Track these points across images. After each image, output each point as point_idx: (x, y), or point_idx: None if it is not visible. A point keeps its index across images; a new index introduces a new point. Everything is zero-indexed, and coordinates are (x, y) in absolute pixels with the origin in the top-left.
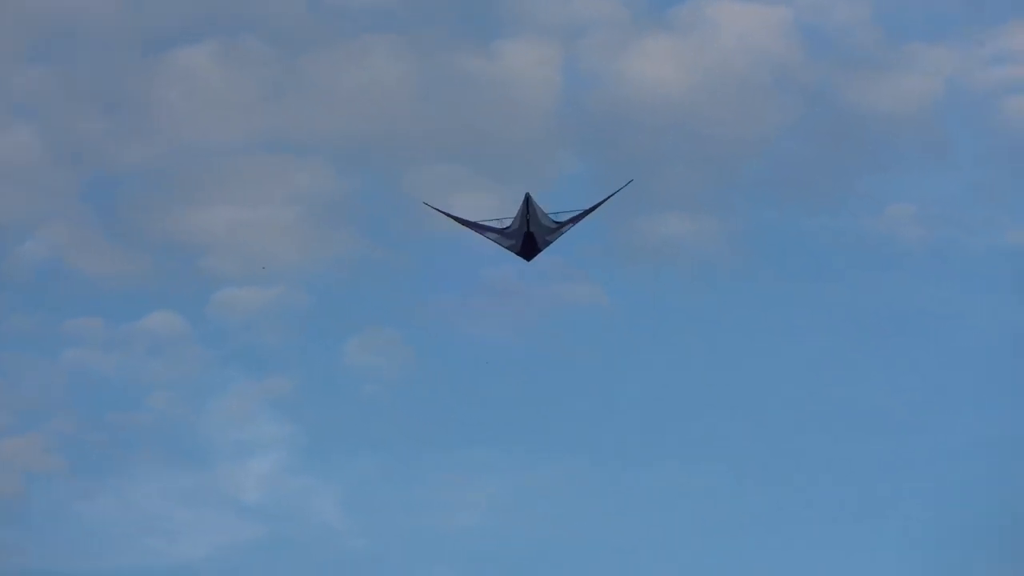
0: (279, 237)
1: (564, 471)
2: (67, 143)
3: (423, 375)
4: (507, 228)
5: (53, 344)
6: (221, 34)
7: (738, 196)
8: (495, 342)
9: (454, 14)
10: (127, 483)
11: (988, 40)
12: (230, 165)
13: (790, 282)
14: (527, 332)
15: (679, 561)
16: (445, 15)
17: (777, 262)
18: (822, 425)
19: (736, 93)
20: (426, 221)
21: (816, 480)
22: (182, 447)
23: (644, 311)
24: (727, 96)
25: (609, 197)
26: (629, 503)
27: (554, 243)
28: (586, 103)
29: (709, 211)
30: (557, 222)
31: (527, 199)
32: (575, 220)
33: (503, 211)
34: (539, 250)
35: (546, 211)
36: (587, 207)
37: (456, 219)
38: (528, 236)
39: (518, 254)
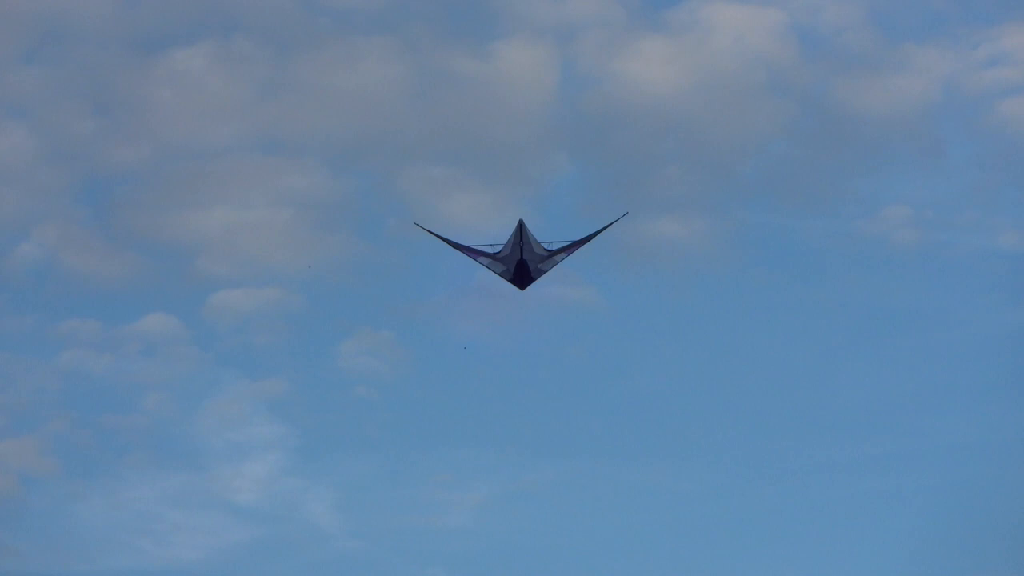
0: (273, 239)
1: (557, 472)
2: (61, 144)
3: (417, 377)
4: (498, 253)
5: (48, 346)
6: (215, 35)
7: (733, 198)
8: (489, 344)
9: (449, 16)
10: (121, 485)
11: (982, 42)
12: (224, 166)
13: (784, 283)
14: (521, 334)
15: (672, 561)
16: (439, 17)
17: (772, 263)
18: (816, 426)
19: (731, 95)
20: (421, 222)
21: (810, 480)
22: (176, 449)
23: (638, 312)
24: (722, 98)
25: (603, 229)
26: (622, 504)
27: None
28: (581, 105)
29: (703, 213)
30: (549, 250)
31: (520, 225)
32: (568, 250)
33: (498, 211)
34: (532, 279)
35: (539, 239)
36: (580, 238)
37: (447, 241)
38: (521, 264)
39: (511, 282)
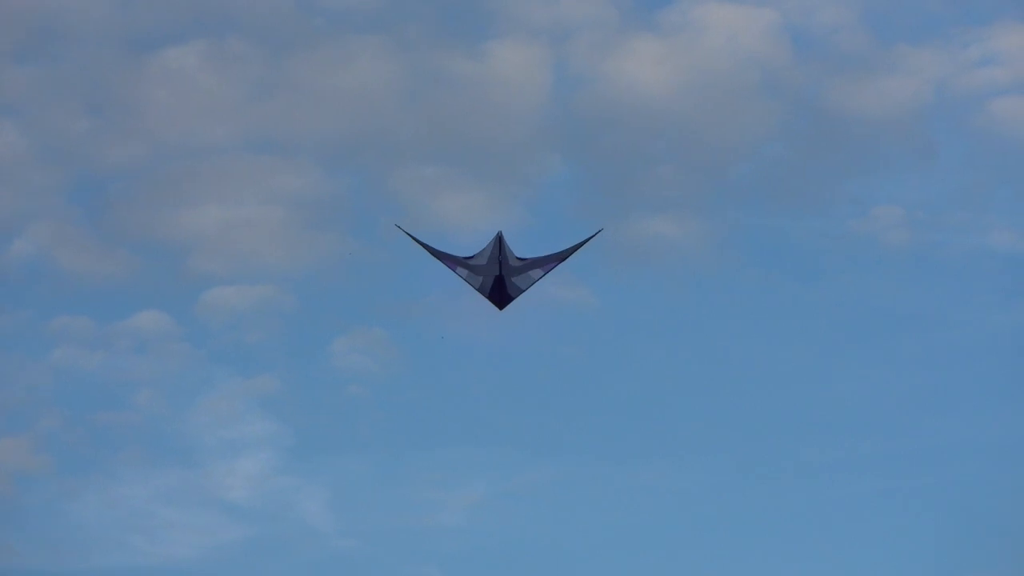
0: (266, 237)
1: (552, 472)
2: (54, 142)
3: (410, 375)
4: (472, 259)
5: (40, 343)
6: (208, 34)
7: (725, 199)
8: (482, 343)
9: (441, 15)
10: (114, 482)
11: (973, 42)
12: (217, 165)
13: (777, 284)
14: (514, 333)
15: (667, 562)
16: (432, 16)
17: (764, 264)
18: (810, 427)
19: (724, 95)
20: (413, 222)
21: (804, 481)
22: (169, 446)
23: (631, 312)
24: (714, 98)
25: (579, 246)
26: (617, 504)
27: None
28: (574, 105)
29: (696, 213)
30: (521, 259)
31: (499, 238)
32: (545, 268)
33: (492, 211)
34: (511, 298)
35: (527, 243)
36: (555, 251)
37: (426, 247)
38: (498, 280)
39: (488, 298)
